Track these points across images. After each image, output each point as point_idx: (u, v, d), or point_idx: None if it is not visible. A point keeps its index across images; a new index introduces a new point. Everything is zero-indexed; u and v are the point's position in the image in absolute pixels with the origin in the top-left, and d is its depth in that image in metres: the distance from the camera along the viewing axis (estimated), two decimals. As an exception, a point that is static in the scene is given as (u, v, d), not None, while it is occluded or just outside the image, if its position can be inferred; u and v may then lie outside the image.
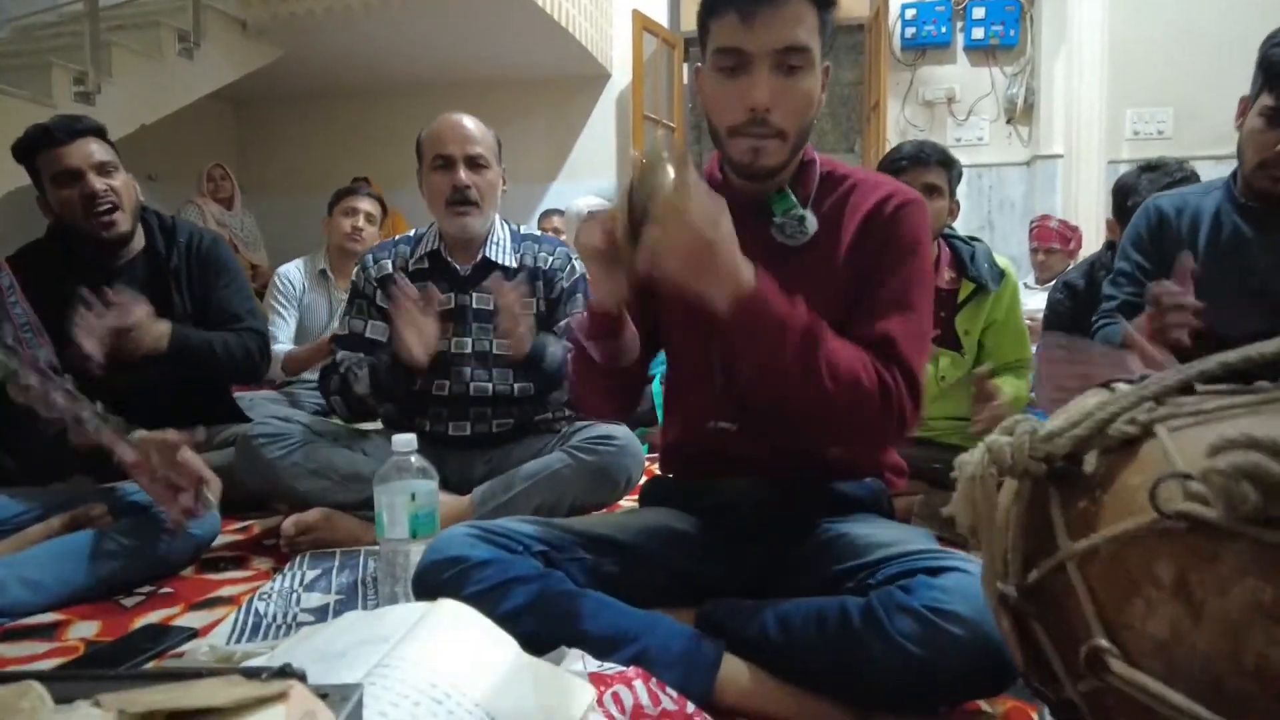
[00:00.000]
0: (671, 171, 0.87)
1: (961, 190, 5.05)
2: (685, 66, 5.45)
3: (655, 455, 1.68)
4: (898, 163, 1.84)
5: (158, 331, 1.67)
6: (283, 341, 2.72)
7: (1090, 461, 0.64)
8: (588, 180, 5.57)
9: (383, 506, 1.14)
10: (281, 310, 2.76)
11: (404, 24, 4.47)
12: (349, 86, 5.73)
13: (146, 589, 1.40)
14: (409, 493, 1.13)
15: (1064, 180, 4.48)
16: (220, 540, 1.62)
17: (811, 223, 1.11)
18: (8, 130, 3.32)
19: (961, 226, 5.02)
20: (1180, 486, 0.55)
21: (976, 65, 4.96)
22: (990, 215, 5.00)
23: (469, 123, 1.74)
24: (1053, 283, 3.79)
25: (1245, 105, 1.43)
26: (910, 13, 4.95)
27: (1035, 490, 0.68)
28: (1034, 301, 3.83)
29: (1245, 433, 0.52)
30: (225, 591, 1.40)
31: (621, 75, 5.37)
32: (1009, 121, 4.92)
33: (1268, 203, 1.44)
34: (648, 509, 1.26)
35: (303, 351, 2.68)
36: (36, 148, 1.70)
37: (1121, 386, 0.69)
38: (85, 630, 1.23)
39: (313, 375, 2.76)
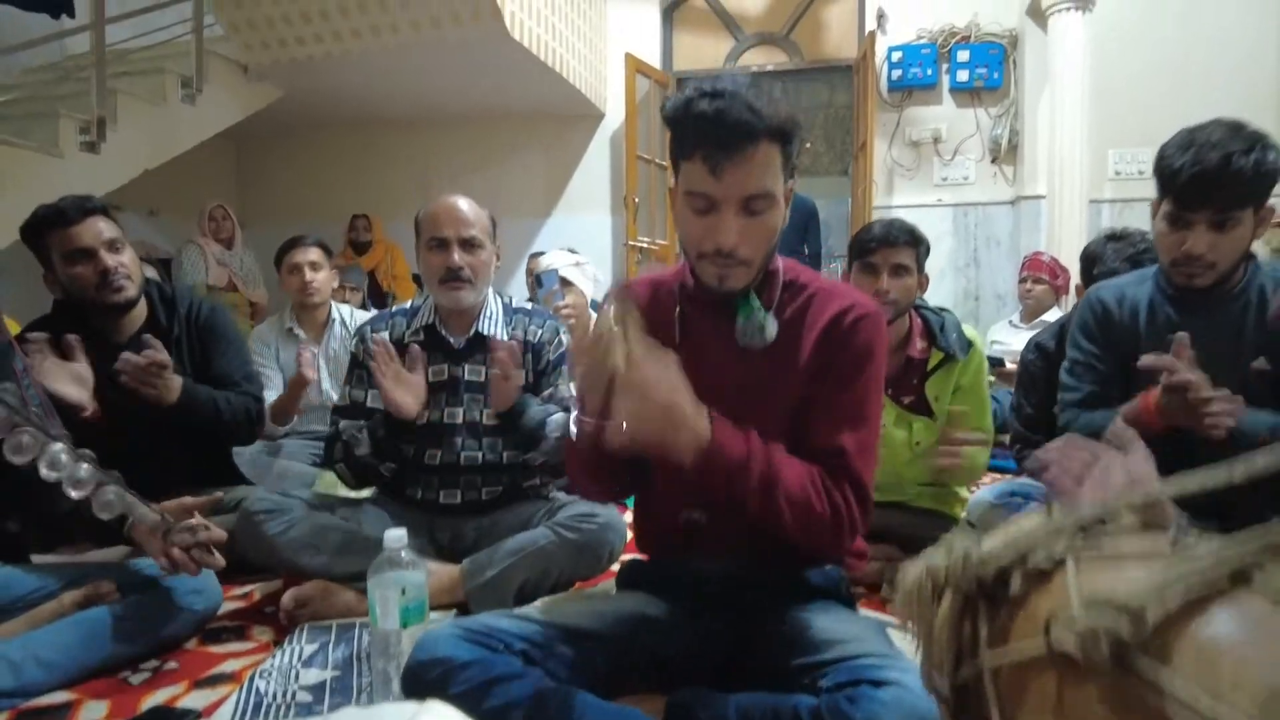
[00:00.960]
0: (620, 351, 0.96)
1: (947, 227, 5.20)
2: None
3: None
4: (867, 244, 1.92)
5: (174, 381, 1.78)
6: (271, 398, 2.79)
7: (1015, 581, 0.73)
8: (582, 215, 5.68)
9: (375, 600, 1.21)
10: (266, 369, 2.82)
11: (401, 65, 4.58)
12: (347, 122, 5.84)
13: (153, 663, 1.47)
14: (400, 586, 1.21)
15: (1048, 219, 4.58)
16: (223, 607, 1.69)
17: (772, 329, 1.18)
18: (18, 180, 3.45)
19: (948, 262, 5.15)
20: (1067, 625, 0.65)
21: (962, 106, 5.08)
22: (976, 252, 5.10)
23: (464, 205, 1.83)
24: (1029, 333, 3.92)
25: (1155, 206, 1.53)
26: (897, 55, 5.08)
27: (966, 603, 0.77)
28: (1017, 340, 3.92)
29: (1108, 591, 0.61)
30: (228, 666, 1.47)
31: (615, 113, 5.49)
32: (994, 161, 5.03)
33: (1187, 294, 1.54)
34: (624, 594, 1.34)
35: (280, 399, 2.74)
36: (47, 228, 1.78)
37: (1056, 512, 0.78)
38: (96, 711, 1.30)
39: (304, 427, 2.86)
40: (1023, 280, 4.06)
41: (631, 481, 1.32)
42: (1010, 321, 4.22)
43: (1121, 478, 1.10)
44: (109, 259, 1.80)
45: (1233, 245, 1.45)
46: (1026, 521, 0.79)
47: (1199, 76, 4.63)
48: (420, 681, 1.06)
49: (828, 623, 1.16)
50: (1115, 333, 1.63)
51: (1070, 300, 4.13)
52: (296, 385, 2.65)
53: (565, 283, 3.03)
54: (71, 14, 3.49)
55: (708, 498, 1.21)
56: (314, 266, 2.86)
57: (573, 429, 1.20)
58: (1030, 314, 4.04)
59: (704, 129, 1.06)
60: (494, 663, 1.07)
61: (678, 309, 1.24)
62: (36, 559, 1.70)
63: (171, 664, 1.48)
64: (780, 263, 1.24)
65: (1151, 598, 0.53)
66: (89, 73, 3.78)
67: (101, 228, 1.81)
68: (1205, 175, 1.39)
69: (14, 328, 1.88)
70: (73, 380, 1.68)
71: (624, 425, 0.98)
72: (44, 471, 1.31)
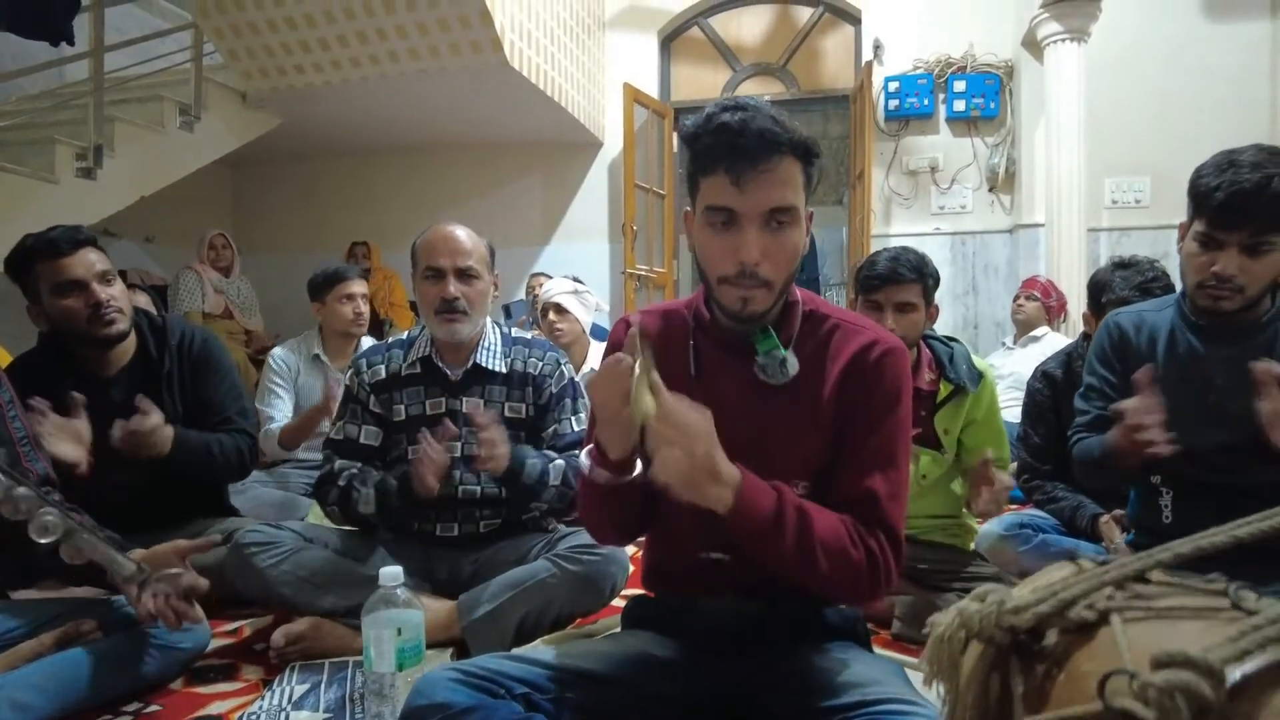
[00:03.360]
0: (647, 399, 0.95)
1: (945, 256, 5.20)
2: (675, 135, 5.58)
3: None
4: (872, 280, 1.88)
5: (166, 435, 1.73)
6: (279, 420, 2.75)
7: (1051, 638, 0.69)
8: (581, 243, 5.68)
9: (370, 640, 1.17)
10: (279, 390, 2.79)
11: (400, 94, 4.59)
12: (346, 149, 5.85)
13: (135, 705, 1.41)
14: (395, 626, 1.16)
15: (1046, 248, 4.58)
16: (211, 644, 1.63)
17: (793, 364, 1.13)
18: (13, 208, 3.42)
19: (947, 290, 5.14)
20: (1126, 683, 0.60)
21: (959, 135, 5.10)
22: (975, 280, 5.10)
23: (461, 234, 1.80)
24: (1021, 352, 3.91)
25: (1184, 229, 1.51)
26: (894, 85, 5.11)
27: (998, 656, 0.73)
28: (1011, 362, 3.89)
29: (1183, 650, 0.56)
30: (214, 708, 1.41)
31: (614, 142, 5.51)
32: (991, 190, 5.05)
33: (1212, 319, 1.51)
34: (628, 634, 1.28)
35: (295, 424, 2.71)
36: (37, 259, 1.74)
37: (1086, 564, 0.74)
38: (73, 757, 1.25)
39: (305, 454, 2.81)
40: (1015, 298, 4.12)
41: (646, 522, 1.27)
42: (1004, 344, 4.25)
43: None
44: (101, 291, 1.76)
45: (1264, 270, 1.43)
46: (1057, 572, 0.75)
47: (1192, 105, 4.67)
48: None
49: (847, 665, 1.11)
50: (1131, 359, 1.61)
51: (1072, 326, 4.13)
52: (317, 413, 2.61)
53: (560, 309, 3.00)
54: (71, 41, 3.49)
55: (731, 538, 1.17)
56: (364, 298, 2.90)
57: (584, 466, 1.15)
58: (1021, 331, 4.08)
59: (728, 139, 1.04)
60: (495, 709, 1.02)
61: (691, 343, 1.19)
62: (18, 595, 1.65)
63: (155, 706, 1.42)
64: (799, 293, 1.20)
65: (1230, 657, 0.49)
66: (87, 100, 3.78)
67: (93, 259, 1.78)
68: (1241, 196, 1.37)
69: (4, 357, 1.84)
70: (72, 439, 1.62)
71: (655, 475, 0.96)
72: (6, 514, 1.26)
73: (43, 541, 1.26)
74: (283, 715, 1.37)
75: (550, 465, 1.72)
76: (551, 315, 2.98)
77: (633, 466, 1.11)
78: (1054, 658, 0.66)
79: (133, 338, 1.89)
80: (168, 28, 4.47)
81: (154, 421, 1.69)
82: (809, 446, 1.13)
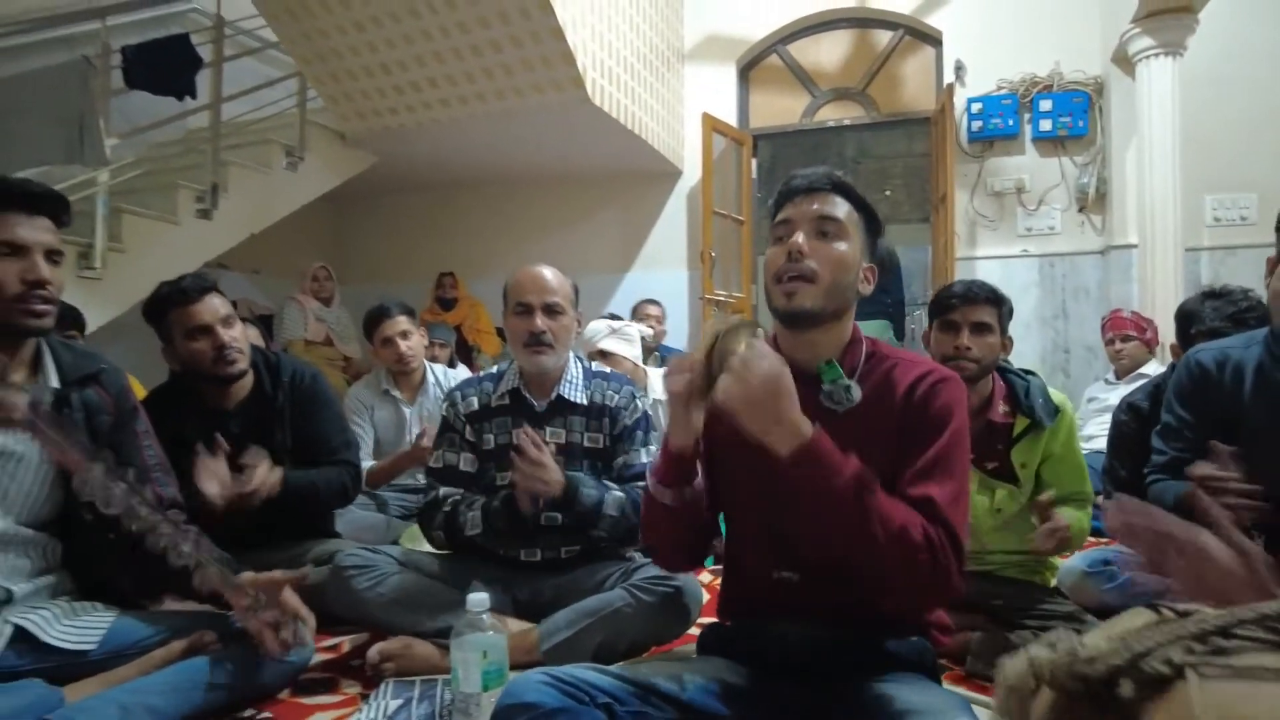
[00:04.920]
0: (744, 339, 1.08)
1: (1033, 278, 5.08)
2: (754, 162, 5.64)
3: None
4: (948, 301, 1.91)
5: (273, 481, 1.88)
6: (364, 455, 2.90)
7: (1126, 688, 0.69)
8: (660, 270, 5.78)
9: (458, 662, 1.26)
10: (360, 427, 2.92)
11: (487, 132, 4.81)
12: (436, 184, 6.13)
13: (249, 712, 1.55)
14: (481, 649, 1.25)
15: (1140, 270, 4.42)
16: (314, 659, 1.76)
17: (856, 392, 1.23)
18: (141, 247, 3.74)
19: (1034, 315, 5.02)
20: None
21: (1046, 156, 4.98)
22: (1064, 304, 4.95)
23: (547, 273, 1.91)
24: (1126, 389, 3.72)
25: (1272, 264, 1.47)
26: (976, 106, 5.04)
27: (1070, 705, 0.74)
28: (1114, 396, 3.74)
29: (1256, 715, 0.57)
30: (317, 719, 1.53)
31: (692, 171, 5.59)
32: (1081, 210, 4.90)
33: None
34: (704, 659, 1.34)
35: (382, 467, 2.84)
36: (170, 305, 1.93)
37: (1168, 614, 0.75)
38: (197, 758, 1.38)
39: (398, 480, 2.96)
40: (1109, 341, 3.86)
41: (707, 544, 1.37)
42: (1105, 379, 4.02)
43: (1222, 573, 1.03)
44: (224, 334, 1.93)
45: None
46: (1135, 619, 0.75)
47: (1302, 120, 4.44)
48: None
49: (909, 694, 1.14)
50: (1214, 398, 1.57)
51: (1165, 354, 3.95)
52: (406, 459, 2.74)
53: (603, 354, 2.99)
54: (194, 95, 3.82)
55: (798, 556, 1.23)
56: (404, 335, 2.96)
57: (651, 484, 1.26)
58: (1125, 371, 3.83)
59: (793, 183, 1.30)
60: (580, 714, 1.09)
61: None
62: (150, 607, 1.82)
63: (266, 714, 1.55)
64: (861, 334, 1.32)
65: None
66: (205, 146, 4.11)
67: (217, 305, 1.96)
68: None
69: (137, 389, 2.03)
70: (217, 480, 1.80)
71: (723, 398, 1.07)
72: (150, 544, 1.41)
73: (177, 565, 1.42)
74: (379, 728, 1.48)
75: (607, 495, 1.80)
76: (596, 364, 3.03)
77: (694, 474, 1.21)
78: (1126, 711, 0.65)
79: (250, 374, 2.06)
80: (276, 76, 4.80)
81: (260, 476, 1.83)
82: (873, 469, 1.18)
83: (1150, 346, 3.85)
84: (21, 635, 1.43)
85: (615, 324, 3.17)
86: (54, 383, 1.50)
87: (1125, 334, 3.78)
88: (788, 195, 1.30)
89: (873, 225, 1.31)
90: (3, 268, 1.49)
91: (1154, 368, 3.74)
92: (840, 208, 1.27)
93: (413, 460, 2.72)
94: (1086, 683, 0.68)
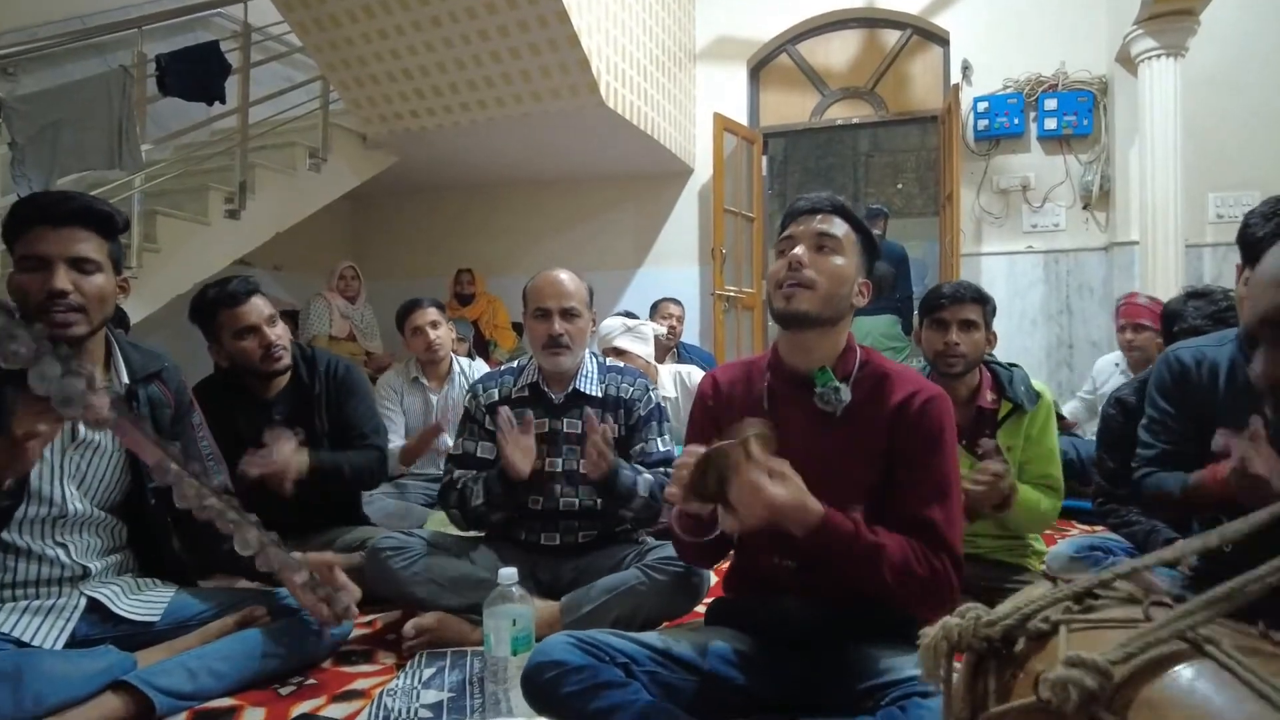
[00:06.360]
0: (755, 449, 1.17)
1: (1039, 275, 5.18)
2: (764, 160, 5.75)
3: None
4: (937, 301, 2.04)
5: (300, 463, 2.03)
6: (395, 438, 3.08)
7: (1019, 645, 0.85)
8: (671, 267, 5.91)
9: (489, 629, 1.40)
10: (390, 413, 3.12)
11: (504, 134, 4.94)
12: (455, 184, 6.28)
13: (297, 679, 1.70)
14: (511, 618, 1.39)
15: (1142, 266, 4.52)
16: (353, 633, 1.92)
17: (845, 394, 1.37)
18: (174, 246, 3.91)
19: (1040, 311, 5.11)
20: (1046, 679, 0.76)
21: (1051, 154, 5.08)
22: (1069, 300, 5.05)
23: (565, 278, 2.04)
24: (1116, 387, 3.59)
25: (1240, 270, 1.59)
26: (983, 105, 5.13)
27: (978, 661, 0.90)
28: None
29: (1078, 653, 0.73)
30: (359, 685, 1.69)
31: (704, 169, 5.72)
32: (1085, 207, 5.00)
33: None
34: (713, 628, 1.49)
35: (411, 443, 3.04)
36: (219, 307, 2.09)
37: (1060, 583, 0.90)
38: (255, 716, 1.53)
39: (421, 469, 3.13)
40: (1121, 329, 3.44)
41: (728, 549, 1.52)
42: (1121, 371, 3.62)
43: None
44: (270, 333, 2.09)
45: None
46: (1035, 590, 0.91)
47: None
48: (537, 681, 1.25)
49: (892, 656, 1.30)
50: (1192, 394, 1.66)
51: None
52: (429, 434, 2.95)
53: (618, 352, 3.09)
54: (223, 100, 3.97)
55: (798, 547, 1.36)
56: (434, 325, 3.17)
57: (671, 522, 1.39)
58: (1139, 366, 3.33)
59: (797, 205, 1.44)
60: (601, 670, 1.24)
61: (765, 383, 1.45)
62: (200, 584, 1.98)
63: (313, 680, 1.70)
64: (856, 344, 1.45)
65: (1118, 658, 0.65)
66: (234, 149, 4.27)
67: (261, 305, 2.11)
68: None
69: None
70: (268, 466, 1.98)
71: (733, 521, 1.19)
72: (222, 531, 1.57)
73: (243, 553, 1.57)
74: (415, 692, 1.63)
75: (639, 478, 1.94)
76: (613, 361, 3.13)
77: (715, 526, 1.31)
78: (1018, 661, 0.80)
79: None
80: (299, 79, 4.95)
81: (284, 456, 1.98)
82: (863, 474, 1.34)
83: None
84: (95, 606, 1.59)
85: (631, 322, 3.29)
86: (124, 379, 1.65)
87: (1140, 322, 3.33)
88: (792, 215, 1.44)
89: (870, 246, 1.44)
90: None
91: None
92: (839, 227, 1.40)
93: (436, 433, 2.94)
94: (989, 642, 0.83)
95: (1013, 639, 0.84)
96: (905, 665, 1.23)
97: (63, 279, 1.48)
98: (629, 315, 3.47)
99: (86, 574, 1.60)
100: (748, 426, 1.20)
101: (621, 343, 3.15)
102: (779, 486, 1.17)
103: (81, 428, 1.55)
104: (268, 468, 1.95)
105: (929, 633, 0.92)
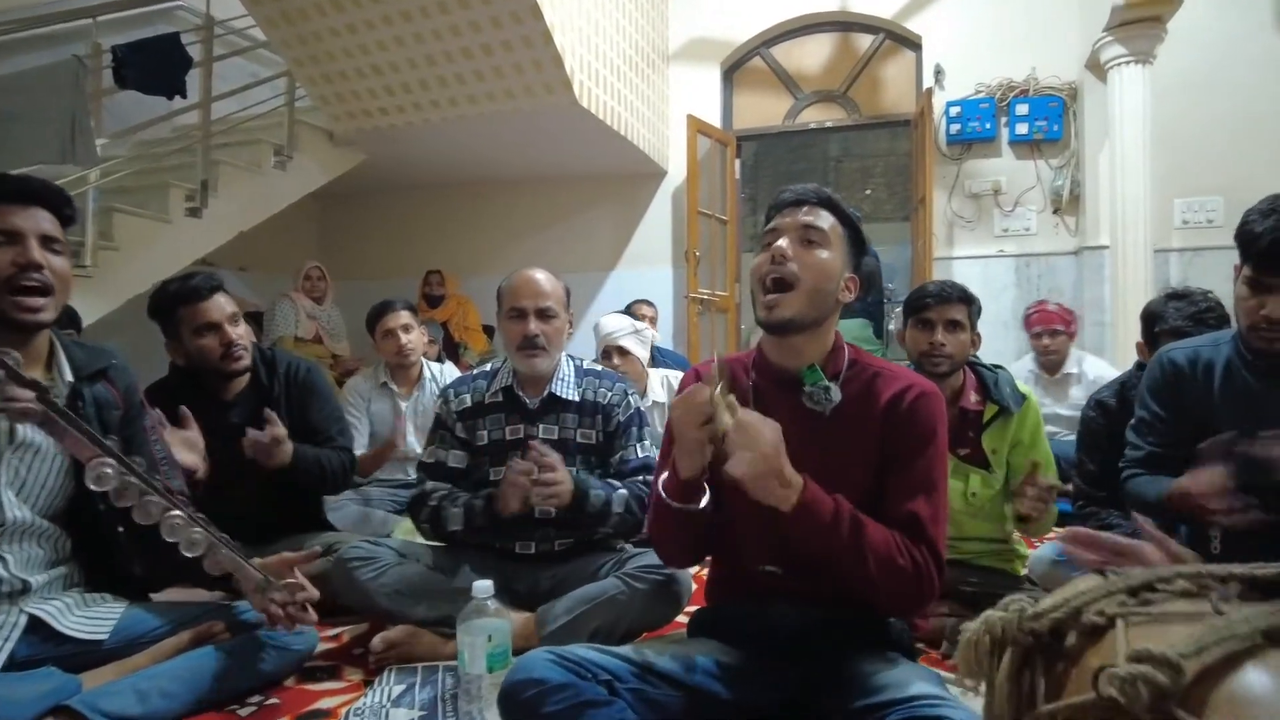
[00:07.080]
0: (726, 414, 1.16)
1: (1010, 279, 5.20)
2: (737, 163, 5.72)
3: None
4: (923, 300, 2.01)
5: (288, 449, 1.99)
6: (359, 446, 2.98)
7: (1070, 639, 0.80)
8: (645, 269, 5.85)
9: (464, 646, 1.33)
10: (355, 419, 3.02)
11: (476, 133, 4.86)
12: (424, 184, 6.17)
13: (257, 699, 1.61)
14: (487, 633, 1.32)
15: (1111, 270, 4.55)
16: (318, 648, 1.82)
17: (835, 393, 1.32)
18: (135, 245, 3.77)
19: (1010, 314, 5.12)
20: (1112, 674, 0.71)
21: (1022, 158, 5.11)
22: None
23: (541, 278, 1.97)
24: (1069, 393, 3.67)
25: (1237, 271, 1.56)
26: (955, 110, 5.15)
27: (1025, 657, 0.84)
28: (1050, 399, 3.68)
29: (1147, 647, 0.68)
30: (324, 704, 1.60)
31: (677, 171, 5.68)
32: (1055, 212, 5.03)
33: (1267, 360, 1.55)
34: (697, 640, 1.43)
35: (368, 455, 2.94)
36: (179, 303, 1.99)
37: (1111, 575, 0.85)
38: (210, 740, 1.44)
39: (386, 475, 3.03)
40: (1037, 335, 3.67)
41: (709, 545, 1.45)
42: (1033, 372, 3.76)
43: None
44: (231, 332, 2.00)
45: None
46: (1083, 583, 0.86)
47: (1269, 121, 4.59)
48: (516, 700, 1.17)
49: (888, 670, 1.24)
50: (1186, 394, 1.64)
51: (1123, 351, 4.07)
52: (387, 448, 2.85)
53: (622, 351, 3.06)
54: (184, 95, 3.84)
55: (785, 552, 1.32)
56: (405, 329, 3.08)
57: (660, 491, 1.33)
58: (1054, 368, 3.66)
59: (782, 197, 1.39)
60: (583, 689, 1.17)
61: (751, 383, 1.39)
62: (154, 597, 1.87)
63: (274, 700, 1.61)
64: (844, 343, 1.40)
65: (1190, 653, 0.60)
66: (196, 146, 4.13)
67: (224, 303, 2.03)
68: None
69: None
70: (187, 447, 1.89)
71: (730, 472, 1.15)
72: (164, 534, 1.47)
73: (189, 555, 1.47)
74: (383, 712, 1.55)
75: (614, 495, 1.87)
76: (615, 359, 3.07)
77: (702, 493, 1.27)
78: (1070, 656, 0.76)
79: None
80: (264, 75, 4.82)
81: (279, 432, 1.95)
82: (854, 473, 1.28)
83: (1073, 340, 3.72)
84: (36, 625, 1.48)
85: (638, 324, 3.22)
86: (68, 378, 1.55)
87: (1054, 328, 3.62)
88: (777, 208, 1.38)
89: (857, 239, 1.38)
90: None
91: (1073, 364, 3.65)
92: (825, 220, 1.35)
93: (392, 449, 2.83)
94: (1035, 636, 0.78)
95: (1062, 633, 0.79)
96: (906, 683, 1.17)
97: (37, 252, 1.45)
98: (639, 307, 3.41)
99: (27, 589, 1.49)
100: (716, 370, 1.21)
101: (627, 343, 3.09)
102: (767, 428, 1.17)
103: (20, 428, 1.45)
104: (268, 436, 1.94)
105: (970, 627, 0.87)
